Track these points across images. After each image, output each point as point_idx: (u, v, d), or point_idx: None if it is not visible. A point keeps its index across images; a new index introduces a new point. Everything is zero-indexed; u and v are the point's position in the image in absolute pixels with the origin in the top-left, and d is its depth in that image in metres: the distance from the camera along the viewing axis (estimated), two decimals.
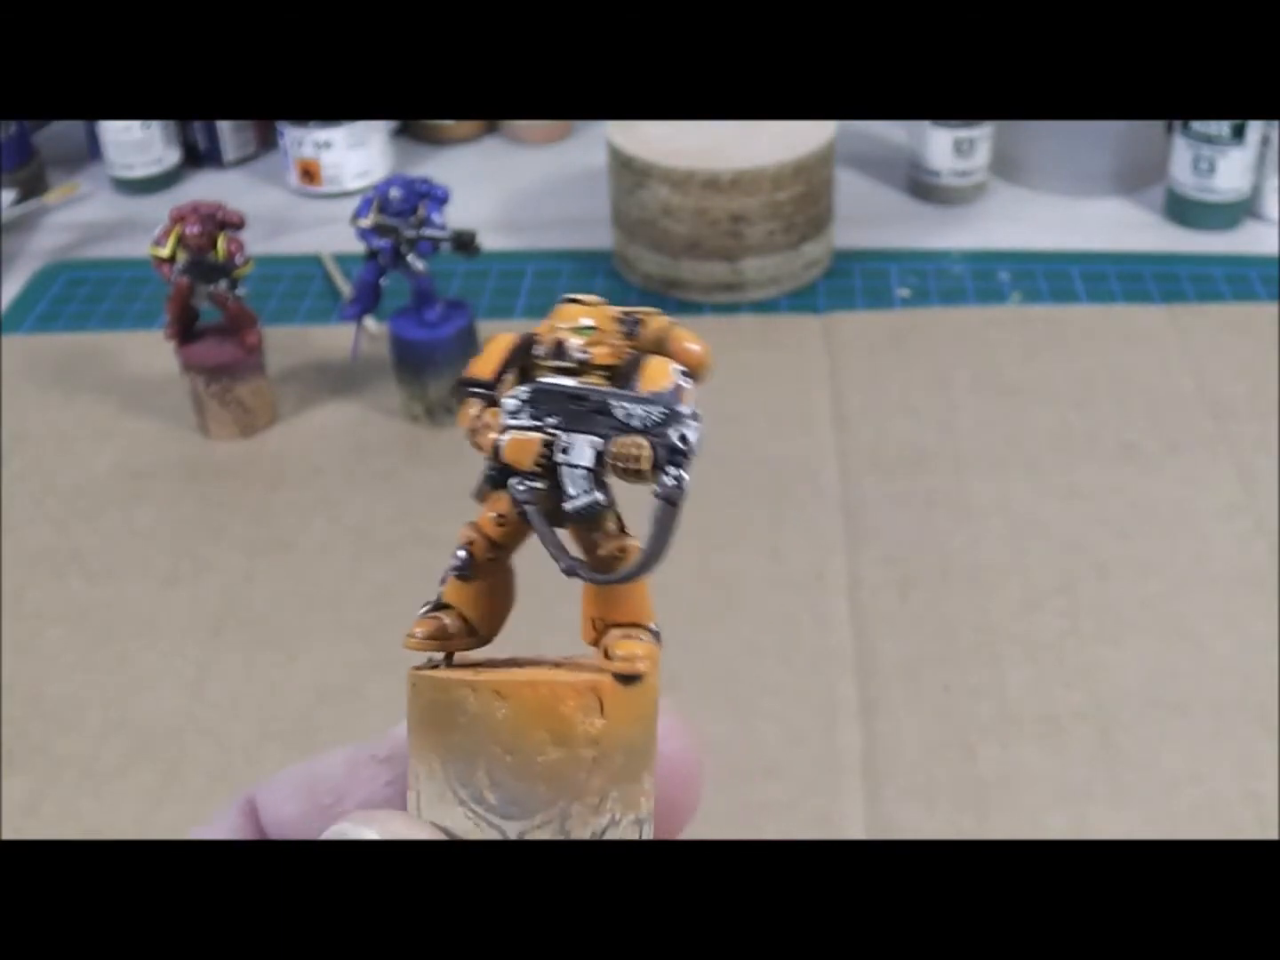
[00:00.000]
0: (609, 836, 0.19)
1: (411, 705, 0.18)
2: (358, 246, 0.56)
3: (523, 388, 0.17)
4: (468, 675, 0.18)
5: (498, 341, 0.18)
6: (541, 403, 0.17)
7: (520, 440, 0.17)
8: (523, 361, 0.18)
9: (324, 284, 0.69)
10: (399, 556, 0.49)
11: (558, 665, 0.19)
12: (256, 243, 0.60)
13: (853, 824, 0.40)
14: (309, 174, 0.77)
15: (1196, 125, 0.68)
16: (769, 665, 0.45)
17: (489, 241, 0.58)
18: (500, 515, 0.18)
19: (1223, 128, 0.67)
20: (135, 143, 0.77)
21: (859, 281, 0.67)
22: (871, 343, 0.61)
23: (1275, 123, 0.68)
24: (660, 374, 0.17)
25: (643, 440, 0.17)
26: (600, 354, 0.18)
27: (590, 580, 0.18)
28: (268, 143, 0.83)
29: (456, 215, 0.57)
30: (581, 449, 0.17)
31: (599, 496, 0.17)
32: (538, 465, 0.17)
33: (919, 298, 0.66)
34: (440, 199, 0.53)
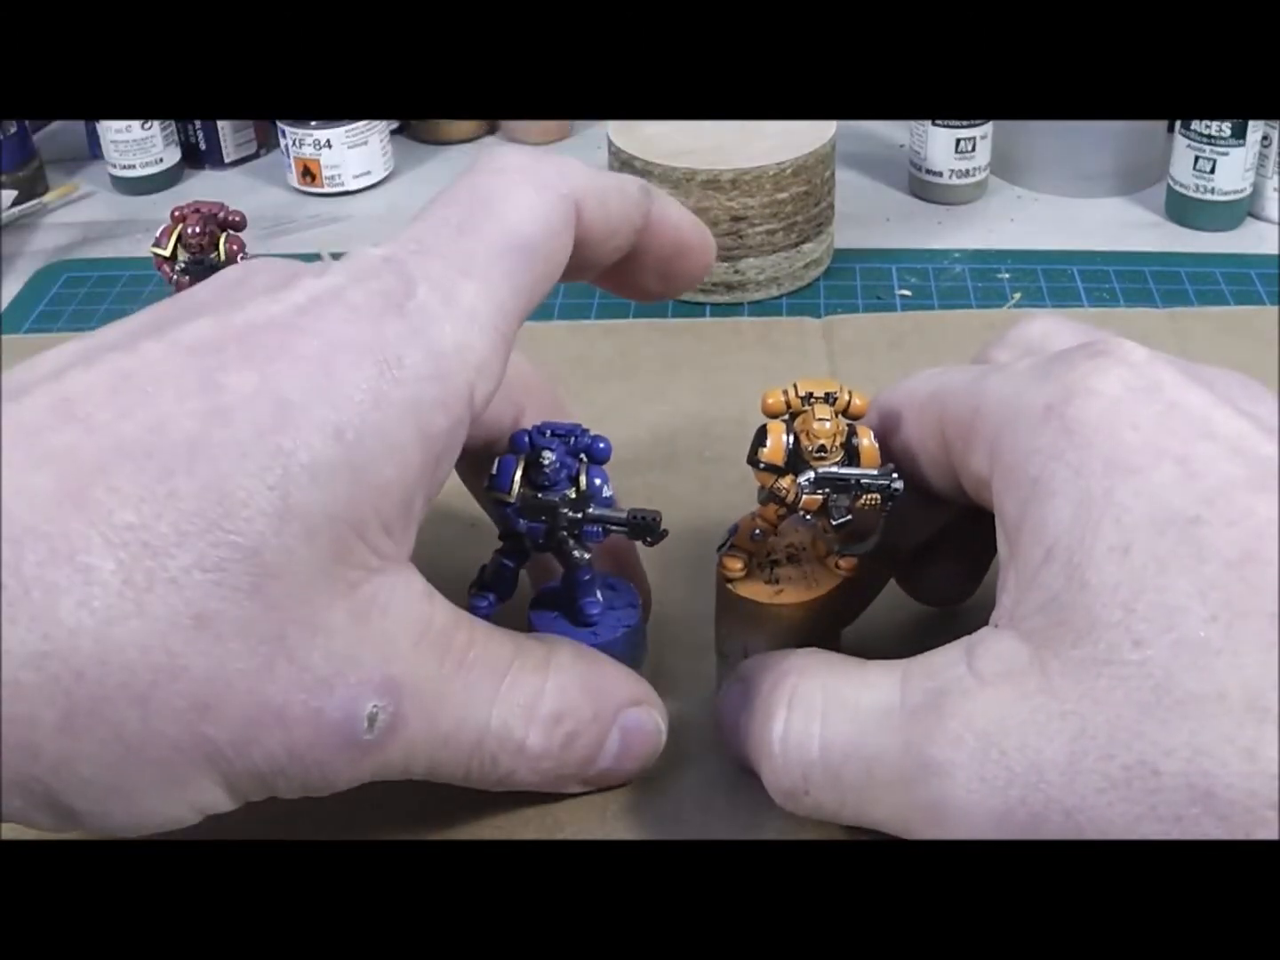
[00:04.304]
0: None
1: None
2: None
3: (811, 473, 0.34)
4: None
5: (774, 434, 0.34)
6: (822, 480, 0.34)
7: (812, 497, 0.34)
8: (795, 450, 0.34)
9: None
10: None
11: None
12: (256, 243, 0.60)
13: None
14: (309, 174, 0.77)
15: (1196, 125, 0.68)
16: None
17: None
18: (771, 520, 0.36)
19: (1223, 128, 0.67)
20: (135, 142, 0.77)
21: (859, 281, 0.67)
22: (872, 343, 0.61)
23: (1275, 123, 0.69)
24: (871, 457, 0.34)
25: (876, 494, 0.34)
26: (834, 445, 0.34)
27: (853, 552, 0.36)
28: (268, 143, 0.83)
29: None
30: (842, 500, 0.34)
31: (849, 517, 0.34)
32: (820, 507, 0.35)
33: (920, 297, 0.66)
34: (602, 457, 0.36)
